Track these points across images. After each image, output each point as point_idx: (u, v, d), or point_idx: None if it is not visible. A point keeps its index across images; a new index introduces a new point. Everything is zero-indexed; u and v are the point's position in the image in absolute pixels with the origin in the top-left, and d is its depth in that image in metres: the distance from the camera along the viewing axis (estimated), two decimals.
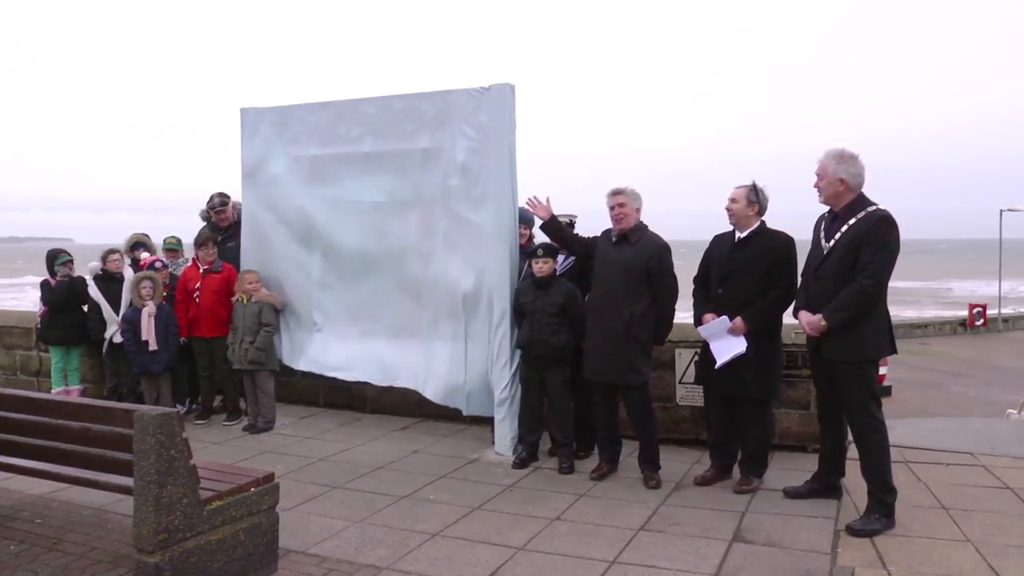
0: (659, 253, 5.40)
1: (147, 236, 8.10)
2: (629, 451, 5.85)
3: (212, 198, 7.78)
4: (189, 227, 8.18)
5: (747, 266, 5.15)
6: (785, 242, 5.18)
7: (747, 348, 5.06)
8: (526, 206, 6.00)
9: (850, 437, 4.83)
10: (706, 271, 5.43)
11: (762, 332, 5.13)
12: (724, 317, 5.13)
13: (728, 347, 5.12)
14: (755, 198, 5.18)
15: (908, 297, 41.73)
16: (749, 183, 5.23)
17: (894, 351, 4.69)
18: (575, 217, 6.22)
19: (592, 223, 5.97)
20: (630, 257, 5.40)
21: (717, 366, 5.17)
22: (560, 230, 5.91)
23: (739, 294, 5.14)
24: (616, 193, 5.52)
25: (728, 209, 5.24)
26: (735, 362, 5.09)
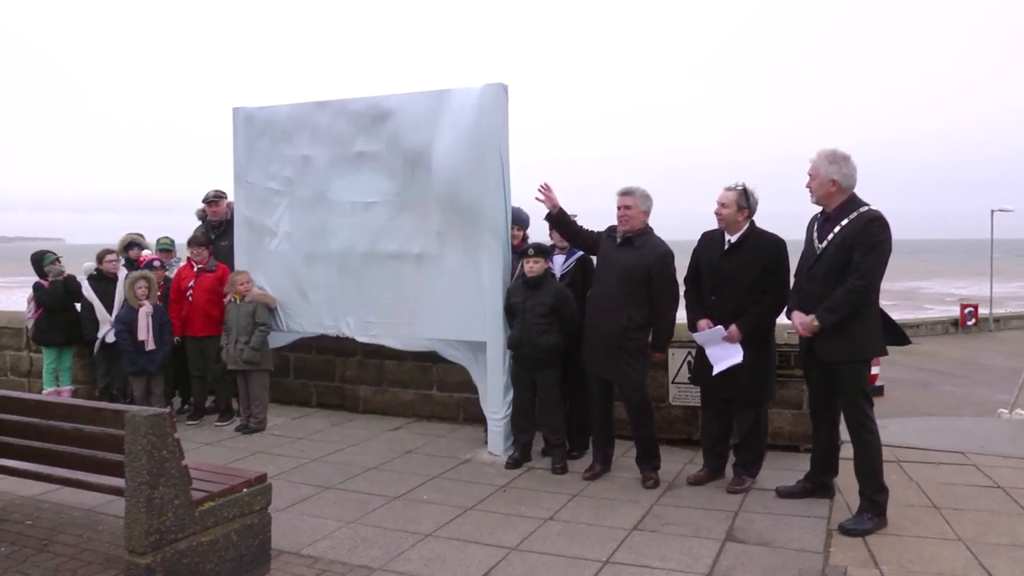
0: (662, 259, 5.34)
1: (141, 236, 8.09)
2: (623, 451, 5.86)
3: (208, 192, 7.83)
4: (182, 227, 8.17)
5: (739, 273, 5.13)
6: (776, 246, 5.15)
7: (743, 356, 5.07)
8: (538, 194, 5.76)
9: (845, 436, 4.85)
10: (696, 272, 5.41)
11: (756, 336, 5.14)
12: (720, 327, 5.12)
13: (724, 355, 5.12)
14: (745, 203, 5.13)
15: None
16: (739, 186, 5.16)
17: (906, 342, 4.74)
18: (575, 216, 6.21)
19: (591, 223, 5.94)
20: (632, 260, 5.36)
21: (714, 373, 5.18)
22: (567, 223, 5.76)
23: (733, 302, 5.13)
24: (625, 194, 5.44)
25: (717, 214, 5.21)
26: (731, 367, 5.10)
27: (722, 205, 5.17)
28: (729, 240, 5.20)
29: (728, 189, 5.20)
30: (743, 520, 4.75)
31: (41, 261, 7.65)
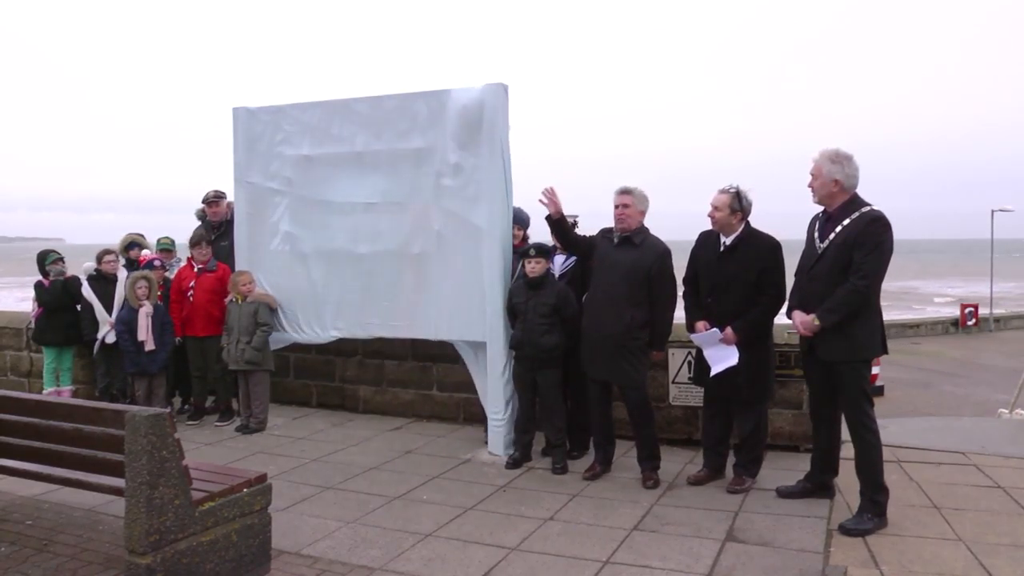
0: (661, 258, 5.35)
1: (142, 236, 8.10)
2: (623, 451, 5.86)
3: (207, 192, 7.82)
4: (182, 227, 8.17)
5: (735, 275, 5.12)
6: (771, 248, 5.15)
7: (739, 358, 5.08)
8: (541, 197, 5.73)
9: (845, 436, 4.85)
10: (694, 273, 5.41)
11: (754, 338, 5.14)
12: (716, 330, 5.13)
13: (721, 357, 5.14)
14: (738, 206, 5.11)
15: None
16: (732, 189, 5.14)
17: (885, 352, 4.71)
18: (577, 217, 6.21)
19: (591, 223, 5.94)
20: (633, 260, 5.35)
21: (711, 374, 5.19)
22: (567, 231, 5.79)
23: (729, 304, 5.13)
24: (624, 192, 5.44)
25: (711, 216, 5.19)
26: (729, 368, 5.11)
27: (715, 208, 5.16)
28: (724, 242, 5.19)
29: (721, 192, 5.17)
30: (743, 520, 4.74)
31: (44, 260, 7.66)
